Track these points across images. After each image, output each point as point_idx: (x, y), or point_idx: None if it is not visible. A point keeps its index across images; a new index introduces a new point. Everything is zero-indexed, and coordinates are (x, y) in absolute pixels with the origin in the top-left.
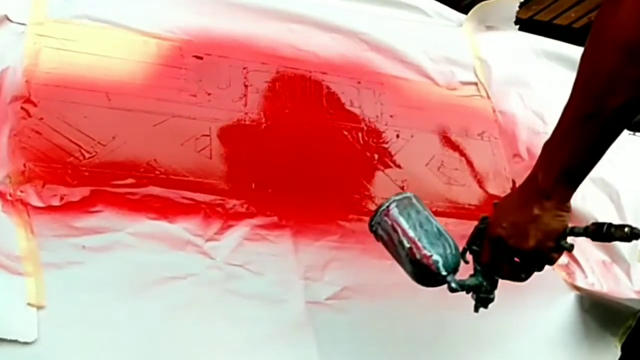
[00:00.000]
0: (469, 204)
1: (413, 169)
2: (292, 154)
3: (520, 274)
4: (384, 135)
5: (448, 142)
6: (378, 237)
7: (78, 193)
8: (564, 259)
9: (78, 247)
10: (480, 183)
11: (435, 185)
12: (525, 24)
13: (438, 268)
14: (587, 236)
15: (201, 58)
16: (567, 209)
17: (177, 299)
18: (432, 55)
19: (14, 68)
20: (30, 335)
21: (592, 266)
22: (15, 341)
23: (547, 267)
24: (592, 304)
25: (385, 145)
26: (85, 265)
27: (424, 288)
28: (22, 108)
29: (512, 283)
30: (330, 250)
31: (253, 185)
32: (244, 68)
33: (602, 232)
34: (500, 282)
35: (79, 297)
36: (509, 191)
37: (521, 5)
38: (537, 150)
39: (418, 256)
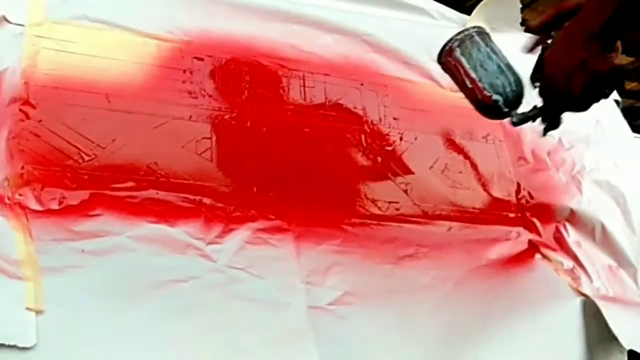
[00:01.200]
0: (474, 207)
1: (417, 171)
2: (294, 156)
3: (577, 108)
4: (387, 137)
5: (452, 144)
6: (447, 72)
7: (77, 196)
8: (569, 263)
9: (77, 251)
10: (484, 186)
11: (439, 189)
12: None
13: (499, 106)
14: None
15: (202, 59)
16: (615, 49)
17: (179, 302)
18: (435, 57)
19: (12, 69)
20: (29, 340)
21: (597, 271)
22: (14, 346)
23: (551, 272)
24: (598, 309)
25: (389, 148)
26: (85, 270)
27: (426, 293)
28: (20, 110)
29: (514, 288)
30: (332, 254)
31: (255, 188)
32: (245, 69)
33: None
34: (505, 290)
35: (79, 302)
36: (513, 194)
37: (527, 6)
38: (542, 153)
39: (480, 96)
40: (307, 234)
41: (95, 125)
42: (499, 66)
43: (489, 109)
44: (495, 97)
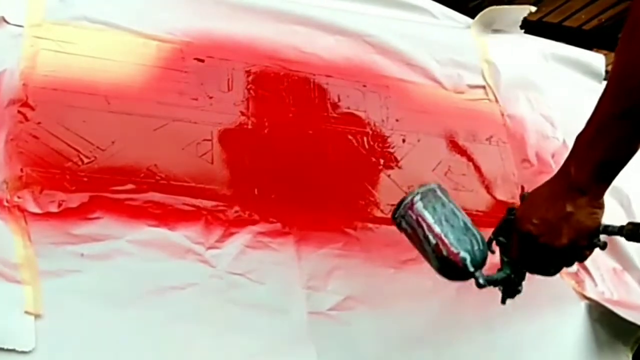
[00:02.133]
0: (477, 210)
1: (420, 174)
2: (296, 159)
3: (549, 269)
4: (389, 139)
5: (455, 146)
6: (402, 230)
7: (76, 199)
8: (573, 267)
9: (76, 255)
10: (488, 189)
11: None
12: (535, 26)
13: (466, 265)
14: (622, 235)
15: (202, 60)
16: (601, 205)
17: (177, 310)
18: (439, 58)
19: (10, 71)
20: (28, 344)
21: (602, 274)
22: (12, 350)
23: (556, 276)
24: (602, 313)
25: (391, 150)
26: (84, 274)
27: (428, 298)
28: (19, 112)
29: (518, 297)
30: (333, 258)
31: (256, 191)
32: (246, 71)
33: (639, 233)
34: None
35: (77, 306)
36: (517, 197)
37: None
38: (547, 155)
39: (445, 253)
40: (308, 237)
41: (95, 127)
42: (464, 223)
43: (453, 267)
44: (463, 254)
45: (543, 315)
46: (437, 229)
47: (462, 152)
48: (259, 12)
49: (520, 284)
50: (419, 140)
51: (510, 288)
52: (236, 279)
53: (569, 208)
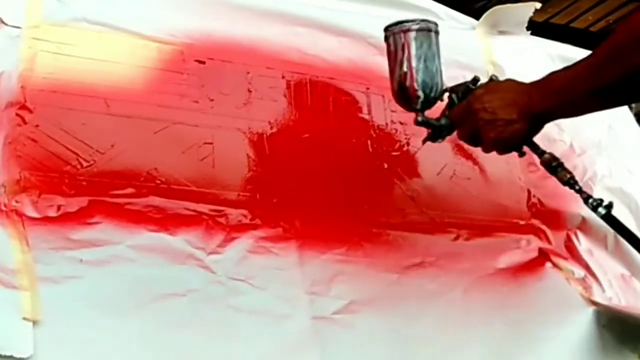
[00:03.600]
0: (482, 215)
1: (424, 178)
2: (298, 162)
3: (472, 143)
4: (394, 142)
5: (460, 150)
6: (386, 43)
7: (75, 203)
8: (580, 272)
9: (75, 261)
10: (493, 193)
11: (447, 195)
12: (541, 27)
13: (417, 102)
14: (538, 157)
15: (203, 62)
16: (539, 130)
17: (178, 316)
18: (443, 60)
19: (8, 73)
20: (26, 350)
21: (610, 280)
22: (10, 357)
23: (562, 281)
24: (610, 319)
25: (396, 154)
26: (83, 280)
27: (433, 302)
28: (17, 115)
29: (523, 298)
30: (336, 263)
31: (257, 195)
32: (248, 73)
33: (551, 165)
34: (515, 299)
35: (76, 313)
36: (523, 201)
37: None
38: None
39: (407, 84)
40: (310, 242)
41: (94, 130)
42: (437, 69)
43: (406, 97)
44: (420, 93)
45: (550, 320)
46: (413, 62)
47: (468, 155)
48: (260, 14)
49: (445, 137)
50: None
51: (436, 135)
52: (238, 284)
53: (514, 116)
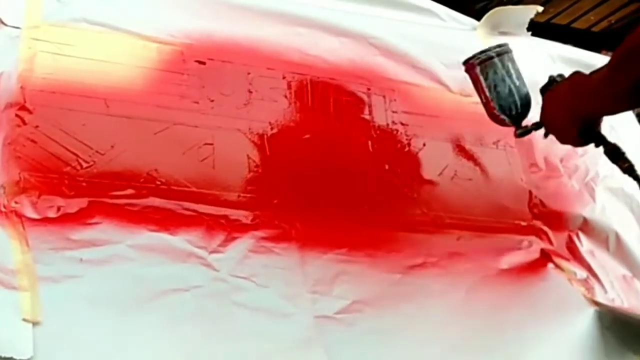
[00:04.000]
0: (484, 216)
1: (426, 178)
2: (299, 163)
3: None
4: (395, 143)
5: (462, 150)
6: (469, 79)
7: (75, 204)
8: (582, 273)
9: (75, 261)
10: (495, 194)
11: (448, 196)
12: (543, 28)
13: (506, 123)
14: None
15: (204, 63)
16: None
17: (180, 312)
18: (445, 60)
19: (8, 73)
20: (26, 352)
21: (612, 281)
22: (10, 358)
23: (564, 282)
24: (613, 320)
25: (397, 155)
26: (83, 280)
27: (436, 302)
28: (16, 115)
29: (525, 299)
30: (338, 263)
31: (258, 196)
32: (249, 73)
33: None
34: (517, 301)
35: (77, 313)
36: (525, 202)
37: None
38: (555, 160)
39: (490, 113)
40: (312, 242)
41: (94, 131)
42: (510, 89)
43: (497, 122)
44: (503, 117)
45: (552, 321)
46: (487, 93)
47: (469, 156)
48: (261, 14)
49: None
50: (424, 144)
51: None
52: (240, 282)
53: (565, 122)
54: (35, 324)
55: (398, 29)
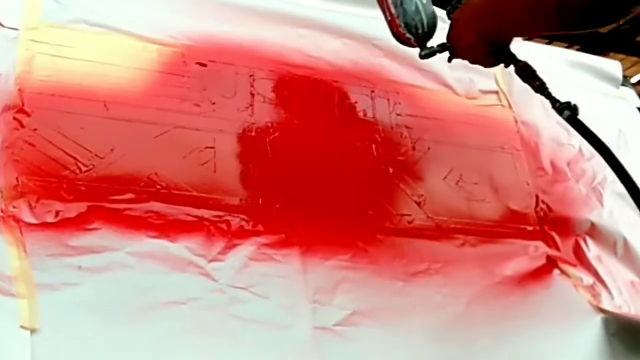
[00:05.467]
0: (489, 221)
1: (430, 182)
2: (302, 167)
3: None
4: (399, 147)
5: (467, 154)
6: None
7: (74, 209)
8: (589, 279)
9: (74, 268)
10: (501, 198)
11: (453, 201)
12: None
13: (410, 43)
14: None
15: (205, 65)
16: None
17: (178, 325)
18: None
19: (6, 76)
20: None
21: (619, 287)
22: None
23: (570, 289)
24: (619, 327)
25: (401, 158)
26: (82, 287)
27: (438, 313)
28: (14, 118)
29: (531, 306)
30: (340, 270)
31: (260, 200)
32: (251, 75)
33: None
34: (522, 308)
35: (75, 321)
36: (531, 207)
37: None
38: (562, 163)
39: (395, 30)
40: (314, 249)
41: (93, 134)
42: (416, 6)
43: (401, 42)
44: (408, 35)
45: (557, 329)
46: (392, 10)
47: (474, 160)
48: (263, 15)
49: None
50: (429, 148)
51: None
52: (239, 293)
53: (472, 40)
54: (32, 331)
55: None
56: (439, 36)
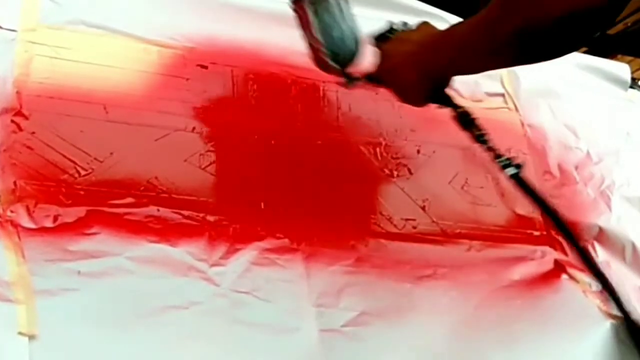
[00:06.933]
0: (496, 225)
1: (435, 187)
2: (304, 170)
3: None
4: (403, 150)
5: (473, 158)
6: (295, 15)
7: (73, 213)
8: (598, 284)
9: (73, 273)
10: (507, 202)
11: (458, 205)
12: None
13: (335, 72)
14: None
15: (206, 67)
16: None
17: (180, 330)
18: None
19: (3, 78)
20: None
21: (627, 293)
22: None
23: (579, 294)
24: (629, 333)
25: (405, 162)
26: (81, 292)
27: (446, 316)
28: (12, 121)
29: (538, 311)
30: (344, 275)
31: (262, 204)
32: (252, 78)
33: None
34: (529, 313)
35: (74, 327)
36: (537, 211)
37: None
38: (570, 167)
39: (317, 57)
40: (317, 253)
41: (92, 137)
42: (341, 33)
43: (325, 69)
44: (333, 64)
45: (566, 334)
46: (318, 37)
47: (480, 164)
48: (265, 16)
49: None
50: (434, 151)
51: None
52: (242, 297)
53: (413, 77)
54: (31, 337)
55: None
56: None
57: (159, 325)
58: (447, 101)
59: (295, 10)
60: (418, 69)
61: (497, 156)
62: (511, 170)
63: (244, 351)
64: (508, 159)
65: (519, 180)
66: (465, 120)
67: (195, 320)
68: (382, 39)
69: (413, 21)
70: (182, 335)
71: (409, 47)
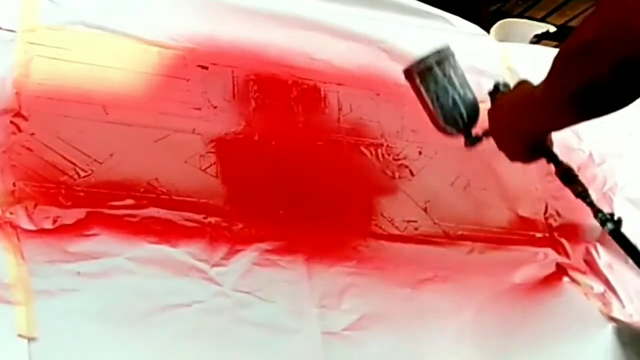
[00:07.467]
0: (498, 227)
1: (437, 188)
2: (306, 172)
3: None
4: (405, 151)
5: (475, 159)
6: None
7: (72, 215)
8: (599, 287)
9: (72, 274)
10: (509, 204)
11: (461, 207)
12: (560, 30)
13: (453, 134)
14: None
15: (206, 68)
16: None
17: (181, 328)
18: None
19: (2, 79)
20: None
21: (630, 295)
22: None
23: (581, 297)
24: (632, 336)
25: (407, 163)
26: (81, 293)
27: (447, 319)
28: (11, 122)
29: (540, 314)
30: (346, 276)
31: (263, 206)
32: (253, 79)
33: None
34: (531, 316)
35: (74, 328)
36: (541, 213)
37: (555, 11)
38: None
39: (436, 124)
40: (319, 255)
41: (92, 138)
42: (453, 100)
43: (444, 133)
44: (449, 129)
45: (567, 338)
46: (430, 106)
47: (483, 165)
48: (266, 17)
49: None
50: (436, 153)
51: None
52: (244, 297)
53: (510, 139)
54: (30, 339)
55: (408, 34)
56: None
57: (160, 324)
58: (550, 156)
59: (408, 82)
60: (511, 130)
61: (597, 212)
62: (610, 226)
63: (245, 351)
64: (607, 215)
65: (618, 236)
66: (567, 176)
67: (197, 318)
68: (492, 98)
69: (413, 21)
70: (183, 333)
71: (504, 112)
